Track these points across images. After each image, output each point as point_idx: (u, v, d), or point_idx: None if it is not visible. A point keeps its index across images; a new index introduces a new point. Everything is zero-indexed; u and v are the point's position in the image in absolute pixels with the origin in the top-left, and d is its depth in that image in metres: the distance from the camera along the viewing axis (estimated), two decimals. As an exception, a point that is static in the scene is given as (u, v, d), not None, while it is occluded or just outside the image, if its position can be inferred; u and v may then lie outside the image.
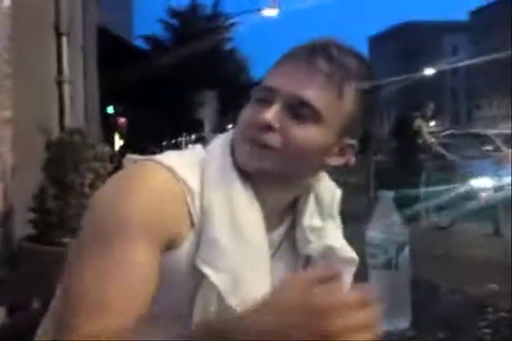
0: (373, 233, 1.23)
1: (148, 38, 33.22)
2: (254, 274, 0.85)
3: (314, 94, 0.85)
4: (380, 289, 1.25)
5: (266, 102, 0.90)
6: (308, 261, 0.93)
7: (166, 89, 22.30)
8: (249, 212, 0.86)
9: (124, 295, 0.75)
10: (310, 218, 0.94)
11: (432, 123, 9.16)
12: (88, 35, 4.54)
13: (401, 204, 5.83)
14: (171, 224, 0.81)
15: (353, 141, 0.92)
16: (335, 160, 0.92)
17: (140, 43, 29.14)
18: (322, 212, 0.96)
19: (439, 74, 56.73)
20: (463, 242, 5.79)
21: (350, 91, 0.87)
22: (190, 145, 1.03)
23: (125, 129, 19.49)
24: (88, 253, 0.76)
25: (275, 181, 0.90)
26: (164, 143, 25.70)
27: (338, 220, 1.03)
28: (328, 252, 0.94)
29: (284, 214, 0.94)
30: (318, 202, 0.96)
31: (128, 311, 0.74)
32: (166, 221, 0.80)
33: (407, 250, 1.22)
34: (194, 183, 0.83)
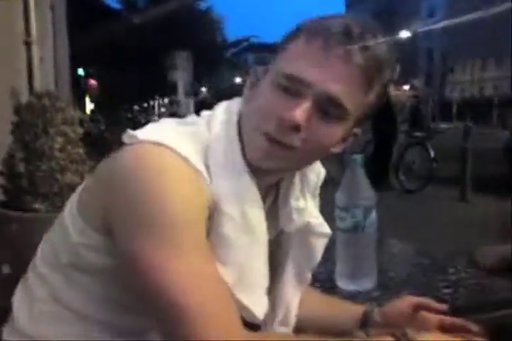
0: (342, 197, 1.25)
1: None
2: (256, 264, 0.86)
3: (347, 92, 0.78)
4: (346, 251, 1.29)
5: (294, 94, 0.78)
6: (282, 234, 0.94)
7: (139, 50, 21.83)
8: (255, 205, 0.85)
9: (223, 292, 0.76)
10: (295, 199, 0.93)
11: (406, 87, 9.12)
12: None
13: (371, 167, 5.91)
14: (205, 211, 0.79)
15: (359, 129, 0.87)
16: (337, 148, 0.86)
17: (112, 2, 28.24)
18: (306, 191, 0.95)
19: (416, 37, 56.54)
20: (429, 206, 5.94)
21: (378, 85, 0.81)
22: (188, 116, 0.91)
23: (96, 92, 19.05)
24: (167, 257, 0.73)
25: (281, 173, 0.90)
26: (136, 106, 25.22)
27: (317, 197, 1.02)
28: (306, 228, 0.94)
29: (268, 190, 0.93)
30: (304, 182, 0.95)
31: (232, 307, 0.76)
32: (203, 210, 0.78)
33: (373, 213, 1.25)
34: (205, 173, 0.79)
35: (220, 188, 0.81)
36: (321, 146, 0.82)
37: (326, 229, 0.97)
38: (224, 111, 0.88)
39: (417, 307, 1.00)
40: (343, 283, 1.27)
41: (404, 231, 4.17)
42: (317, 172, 0.98)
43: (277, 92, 0.80)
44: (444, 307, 0.99)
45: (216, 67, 31.77)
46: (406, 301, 1.02)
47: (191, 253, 0.74)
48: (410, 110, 7.94)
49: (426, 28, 57.59)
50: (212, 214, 0.81)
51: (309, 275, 1.00)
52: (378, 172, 7.14)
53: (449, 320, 0.95)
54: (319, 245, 0.97)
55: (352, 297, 1.19)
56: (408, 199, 6.44)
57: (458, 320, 0.95)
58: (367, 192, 1.24)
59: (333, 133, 0.81)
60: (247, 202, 0.83)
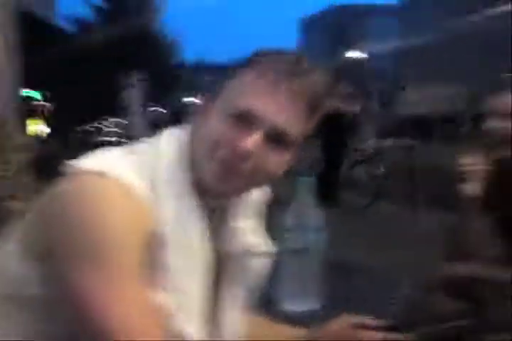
0: (290, 218, 1.30)
1: (74, 19, 31.86)
2: (197, 290, 0.88)
3: (294, 124, 0.86)
4: (293, 272, 1.33)
5: (245, 125, 0.84)
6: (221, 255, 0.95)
7: (94, 71, 21.58)
8: (198, 231, 0.87)
9: (153, 319, 0.78)
10: (241, 219, 0.96)
11: (358, 106, 9.32)
12: (7, 16, 4.31)
13: (322, 185, 5.90)
14: (146, 237, 0.80)
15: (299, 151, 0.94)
16: (282, 168, 0.91)
17: (65, 24, 27.87)
18: (249, 211, 0.98)
19: (367, 57, 58.06)
20: (377, 222, 6.01)
21: (319, 113, 0.89)
22: (135, 143, 0.93)
23: (50, 115, 18.70)
24: (100, 284, 0.75)
25: (231, 195, 0.93)
26: (88, 127, 24.81)
27: (262, 217, 1.03)
28: (248, 248, 0.95)
29: (214, 211, 0.93)
30: (247, 202, 0.97)
31: (160, 332, 0.78)
32: (143, 237, 0.79)
33: (320, 235, 1.30)
34: (150, 200, 0.82)
35: (165, 215, 0.84)
36: (271, 172, 0.88)
37: (268, 248, 0.99)
38: (171, 137, 0.91)
39: (355, 326, 1.02)
40: (289, 304, 1.31)
41: (352, 248, 4.25)
42: (261, 192, 1.00)
43: (229, 121, 0.85)
44: (380, 323, 1.02)
45: (170, 87, 31.72)
46: (344, 321, 1.04)
47: (125, 280, 0.77)
48: (360, 127, 8.12)
49: (377, 49, 59.23)
50: (155, 241, 0.83)
51: (250, 296, 1.01)
52: (329, 190, 7.24)
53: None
54: (259, 265, 0.98)
55: (297, 317, 1.23)
56: (357, 216, 6.54)
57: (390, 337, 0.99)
58: (314, 214, 1.29)
59: (281, 160, 0.88)
60: (189, 229, 0.86)
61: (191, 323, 0.86)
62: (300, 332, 1.07)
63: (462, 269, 1.60)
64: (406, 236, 5.08)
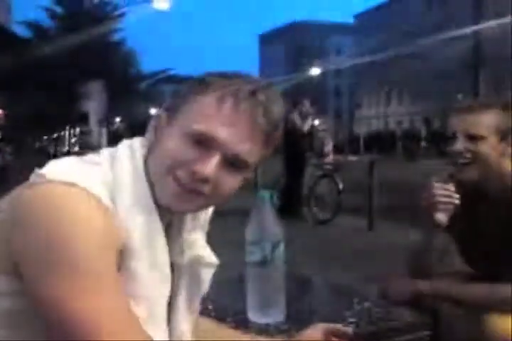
0: (251, 231, 1.29)
1: (29, 25, 31.35)
2: (163, 299, 0.91)
3: (251, 150, 0.89)
4: (256, 284, 1.32)
5: (204, 147, 0.87)
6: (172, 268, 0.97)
7: (49, 79, 21.21)
8: (162, 243, 0.89)
9: (135, 324, 0.79)
10: (187, 232, 0.99)
11: (317, 122, 9.47)
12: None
13: (284, 199, 6.04)
14: (116, 248, 0.82)
15: (251, 173, 0.97)
16: (236, 187, 0.95)
17: (20, 30, 27.37)
18: (196, 225, 1.01)
19: (324, 74, 59.13)
20: (339, 236, 6.11)
21: (274, 140, 0.93)
22: (90, 153, 0.93)
23: (2, 122, 18.25)
24: (79, 296, 0.75)
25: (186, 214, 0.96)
26: (45, 137, 24.31)
27: (206, 230, 1.07)
28: (196, 259, 0.99)
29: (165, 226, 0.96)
30: (194, 216, 1.00)
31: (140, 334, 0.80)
32: (114, 248, 0.80)
33: (281, 247, 1.30)
34: (115, 212, 0.83)
35: (131, 228, 0.85)
36: (226, 192, 0.92)
37: (213, 259, 1.02)
38: (127, 151, 0.92)
39: (328, 334, 1.08)
40: (253, 316, 1.30)
41: (314, 261, 4.30)
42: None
43: (188, 142, 0.88)
44: (349, 330, 1.09)
45: (131, 97, 31.46)
46: (317, 328, 1.10)
47: (103, 290, 0.77)
48: (319, 143, 8.24)
49: (333, 66, 60.43)
50: (123, 252, 0.83)
51: (198, 305, 1.04)
52: (291, 203, 7.31)
53: None
54: (207, 275, 1.01)
55: (263, 329, 1.22)
56: (319, 230, 6.62)
57: None
58: (274, 227, 1.29)
59: (236, 182, 0.92)
60: (156, 242, 0.88)
61: (159, 331, 0.89)
62: None
63: (423, 286, 1.62)
64: (365, 250, 5.17)
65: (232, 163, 0.89)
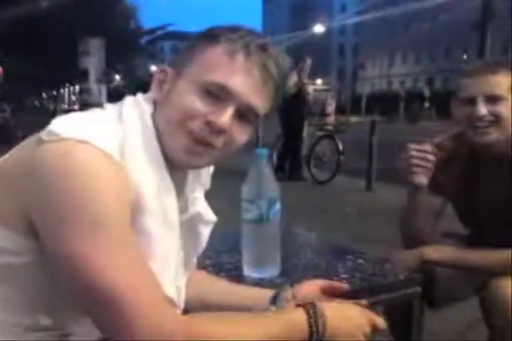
0: (247, 189, 1.31)
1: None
2: (175, 256, 0.92)
3: (262, 102, 0.90)
4: (252, 241, 1.34)
5: (217, 99, 0.87)
6: None
7: (48, 35, 20.84)
8: (173, 200, 0.90)
9: (156, 281, 0.80)
10: (191, 190, 1.00)
11: (319, 81, 9.37)
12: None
13: (282, 159, 6.08)
14: (130, 206, 0.82)
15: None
16: (245, 140, 0.97)
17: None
18: (197, 182, 1.02)
19: (328, 32, 57.97)
20: (337, 196, 6.16)
21: (281, 93, 0.95)
22: (97, 108, 0.92)
23: (1, 79, 18.05)
24: (102, 254, 0.75)
25: (196, 169, 0.98)
26: (44, 94, 24.07)
27: (208, 187, 1.09)
28: (196, 216, 1.01)
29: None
30: (196, 174, 1.01)
31: (165, 295, 0.82)
32: (129, 206, 0.81)
33: (278, 205, 1.31)
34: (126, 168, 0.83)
35: (141, 183, 0.85)
36: (237, 146, 0.93)
37: (212, 216, 1.05)
38: (134, 106, 0.91)
39: (324, 289, 1.10)
40: (248, 271, 1.33)
41: (312, 220, 4.36)
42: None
43: (200, 94, 0.87)
44: (346, 286, 1.12)
45: (130, 54, 31.00)
46: (313, 283, 1.12)
47: (126, 248, 0.78)
48: (321, 104, 8.18)
49: (338, 23, 59.21)
50: (135, 209, 0.84)
51: (195, 261, 1.07)
52: (291, 165, 7.33)
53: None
54: (206, 232, 1.04)
55: (257, 284, 1.26)
56: (318, 190, 6.67)
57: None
58: (271, 185, 1.30)
59: (247, 134, 0.93)
60: (166, 197, 0.89)
61: (172, 288, 0.91)
62: (262, 292, 1.11)
63: (430, 255, 1.60)
64: (362, 210, 5.23)
65: (243, 114, 0.89)
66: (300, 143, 7.32)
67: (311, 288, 1.11)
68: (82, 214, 0.76)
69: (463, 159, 1.72)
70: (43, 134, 0.81)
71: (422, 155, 1.57)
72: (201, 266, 1.21)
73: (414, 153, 1.57)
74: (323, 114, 8.05)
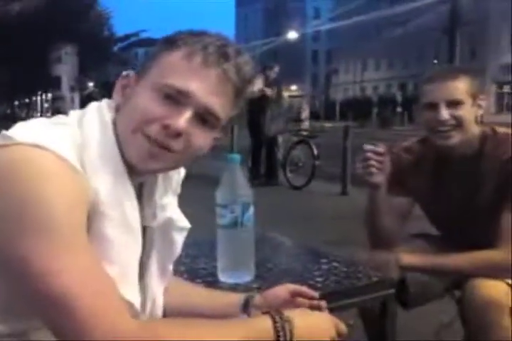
0: (221, 194, 1.31)
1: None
2: (134, 262, 0.91)
3: (222, 105, 0.89)
4: (227, 246, 1.35)
5: (175, 102, 0.87)
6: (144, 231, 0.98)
7: (19, 42, 20.56)
8: (133, 205, 0.89)
9: (113, 287, 0.80)
10: (160, 196, 0.99)
11: (294, 88, 9.42)
12: None
13: (257, 165, 6.07)
14: (86, 211, 0.82)
15: (221, 134, 0.97)
16: (206, 150, 0.96)
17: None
18: (168, 189, 1.01)
19: (302, 39, 58.40)
20: (312, 201, 6.22)
21: (243, 99, 0.94)
22: (56, 115, 0.93)
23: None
24: (57, 258, 0.75)
25: (154, 173, 0.95)
26: (16, 102, 23.70)
27: (178, 193, 1.07)
28: (168, 223, 1.00)
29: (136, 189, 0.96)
30: (166, 180, 1.00)
31: (121, 301, 0.81)
32: (85, 211, 0.81)
33: (251, 209, 1.32)
34: (83, 173, 0.82)
35: (100, 189, 0.84)
36: (197, 150, 0.91)
37: (185, 223, 1.04)
38: (96, 112, 0.91)
39: (294, 294, 1.11)
40: (224, 277, 1.34)
41: (288, 225, 4.37)
42: (178, 170, 1.04)
43: (158, 99, 0.87)
44: (315, 293, 1.11)
45: (103, 61, 30.77)
46: (284, 288, 1.12)
47: (80, 253, 0.77)
48: (295, 110, 8.22)
49: (311, 30, 59.70)
50: (92, 214, 0.83)
51: (171, 268, 1.06)
52: (267, 170, 7.35)
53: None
54: (179, 239, 1.03)
55: (233, 289, 1.26)
56: (294, 195, 6.70)
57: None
58: (244, 189, 1.31)
59: (207, 139, 0.92)
60: (125, 203, 0.88)
61: (131, 292, 0.90)
62: (235, 297, 1.11)
63: (408, 261, 1.62)
64: (338, 214, 5.27)
65: (203, 119, 0.89)
66: (273, 148, 7.35)
67: (281, 293, 1.11)
68: (35, 218, 0.75)
69: (430, 162, 1.77)
70: None
71: (376, 156, 1.62)
72: (176, 272, 1.21)
73: (369, 154, 1.62)
74: (298, 119, 8.09)
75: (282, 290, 1.12)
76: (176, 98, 0.87)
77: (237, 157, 1.32)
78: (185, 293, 1.12)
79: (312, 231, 4.37)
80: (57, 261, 0.75)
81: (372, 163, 1.62)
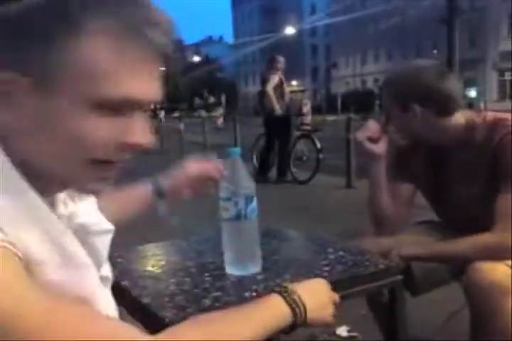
0: (223, 187, 1.31)
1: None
2: (97, 280, 0.84)
3: (159, 90, 0.75)
4: (232, 239, 1.35)
5: (124, 113, 0.71)
6: None
7: None
8: (64, 234, 0.76)
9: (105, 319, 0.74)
10: (64, 205, 0.84)
11: (294, 83, 9.40)
12: None
13: (264, 159, 6.09)
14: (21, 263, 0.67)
15: None
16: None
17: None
18: (74, 194, 0.86)
19: (300, 34, 58.31)
20: (318, 194, 6.22)
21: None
22: None
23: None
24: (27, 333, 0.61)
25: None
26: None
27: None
28: (82, 230, 0.84)
29: None
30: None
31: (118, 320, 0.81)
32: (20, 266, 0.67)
33: (255, 202, 1.32)
34: None
35: (22, 238, 0.69)
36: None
37: (103, 226, 0.91)
38: None
39: (200, 171, 1.30)
40: (231, 270, 1.33)
41: (294, 219, 4.38)
42: None
43: (97, 115, 0.69)
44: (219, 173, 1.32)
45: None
46: (191, 166, 1.29)
47: (61, 306, 0.67)
48: (298, 104, 8.21)
49: (309, 25, 59.54)
50: (26, 266, 0.68)
51: (109, 273, 0.94)
52: (279, 168, 7.33)
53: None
54: (100, 242, 0.89)
55: (240, 281, 1.26)
56: (300, 190, 6.70)
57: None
58: (247, 182, 1.30)
59: (151, 130, 0.82)
60: (55, 237, 0.74)
61: (111, 309, 0.88)
62: (143, 186, 1.27)
63: (416, 251, 1.63)
64: (342, 207, 5.26)
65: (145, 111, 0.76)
66: (286, 146, 7.29)
67: (189, 170, 1.27)
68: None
69: (425, 149, 1.78)
70: None
71: (378, 128, 1.71)
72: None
73: (371, 126, 1.72)
74: (300, 114, 8.08)
75: (190, 168, 1.29)
76: (118, 108, 0.70)
77: (237, 150, 1.31)
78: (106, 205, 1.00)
79: (319, 225, 4.37)
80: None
81: (369, 134, 1.70)
